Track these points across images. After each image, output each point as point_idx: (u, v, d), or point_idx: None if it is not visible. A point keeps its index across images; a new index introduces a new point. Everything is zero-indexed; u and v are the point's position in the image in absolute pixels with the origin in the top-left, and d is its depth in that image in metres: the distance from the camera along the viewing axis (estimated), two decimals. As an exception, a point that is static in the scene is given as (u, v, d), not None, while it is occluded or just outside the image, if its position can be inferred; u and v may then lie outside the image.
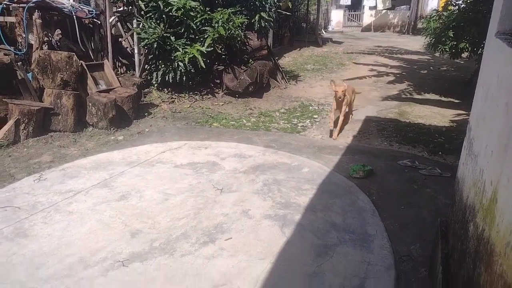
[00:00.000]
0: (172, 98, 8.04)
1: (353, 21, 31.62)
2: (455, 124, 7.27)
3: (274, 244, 3.50)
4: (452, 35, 9.55)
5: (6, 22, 6.85)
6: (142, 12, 7.84)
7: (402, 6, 29.17)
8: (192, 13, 7.69)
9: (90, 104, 6.11)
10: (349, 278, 3.07)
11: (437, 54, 12.91)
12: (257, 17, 8.76)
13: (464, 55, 10.39)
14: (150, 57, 8.13)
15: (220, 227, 3.73)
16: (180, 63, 7.68)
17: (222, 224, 3.79)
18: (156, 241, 3.49)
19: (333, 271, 3.15)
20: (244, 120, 7.12)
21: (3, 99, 5.66)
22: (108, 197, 4.19)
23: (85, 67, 6.57)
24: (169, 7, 7.48)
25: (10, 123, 5.42)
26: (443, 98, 9.29)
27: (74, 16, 7.14)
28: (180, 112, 7.43)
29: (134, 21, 8.09)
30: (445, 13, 11.36)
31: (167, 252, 3.35)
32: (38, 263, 3.15)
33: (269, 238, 3.59)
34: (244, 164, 5.15)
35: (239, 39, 8.33)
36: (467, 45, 9.43)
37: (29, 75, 6.11)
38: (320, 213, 4.03)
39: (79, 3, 7.72)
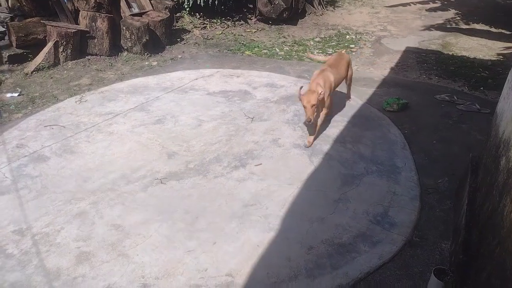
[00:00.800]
0: (204, 23, 7.86)
1: None
2: (502, 57, 6.77)
3: (302, 171, 3.63)
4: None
5: None
6: None
7: None
8: None
9: (124, 28, 6.11)
10: (373, 206, 3.20)
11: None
12: None
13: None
14: (181, -22, 7.81)
15: (251, 154, 3.87)
16: (213, -14, 7.37)
17: (253, 150, 3.92)
18: (191, 163, 3.70)
19: (358, 199, 3.28)
20: (277, 49, 6.94)
21: (41, 21, 5.76)
22: (146, 120, 4.38)
23: (118, -11, 6.45)
24: None
25: (50, 45, 5.56)
26: (493, 29, 8.55)
27: None
28: (212, 39, 7.31)
29: None
30: None
31: (201, 173, 3.56)
32: (85, 177, 3.46)
33: (298, 166, 3.72)
34: (276, 94, 5.14)
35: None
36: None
37: (64, -4, 6.10)
38: (349, 144, 4.07)
39: None
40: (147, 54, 6.28)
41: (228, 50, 6.80)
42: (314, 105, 3.68)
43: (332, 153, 3.92)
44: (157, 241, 2.79)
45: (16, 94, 4.85)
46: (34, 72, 5.42)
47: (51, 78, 5.38)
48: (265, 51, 6.83)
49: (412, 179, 3.56)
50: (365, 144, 4.07)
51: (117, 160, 3.70)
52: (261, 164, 3.74)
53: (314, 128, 4.03)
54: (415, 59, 6.58)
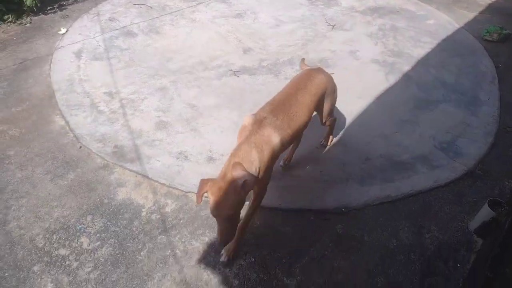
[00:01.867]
0: None
1: None
2: None
3: (374, 88, 3.54)
4: None
5: None
6: None
7: None
8: None
9: None
10: (442, 133, 3.10)
11: None
12: None
13: None
14: None
15: (325, 62, 3.81)
16: None
17: (328, 59, 3.85)
18: (265, 61, 3.75)
19: (427, 123, 3.18)
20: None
21: None
22: (226, 13, 4.40)
23: None
24: None
25: None
26: None
27: None
28: None
29: None
30: None
31: (273, 72, 3.63)
32: (167, 57, 3.69)
33: (371, 82, 3.62)
34: (363, 3, 4.80)
35: None
36: None
37: None
38: (432, 69, 3.82)
39: None
40: None
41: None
42: (230, 216, 1.83)
43: (412, 74, 3.73)
44: (226, 125, 3.02)
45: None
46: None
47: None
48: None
49: (492, 114, 3.34)
50: (450, 71, 3.79)
51: (197, 47, 3.85)
52: (333, 73, 3.65)
53: (240, 232, 2.15)
54: (537, -15, 5.62)
